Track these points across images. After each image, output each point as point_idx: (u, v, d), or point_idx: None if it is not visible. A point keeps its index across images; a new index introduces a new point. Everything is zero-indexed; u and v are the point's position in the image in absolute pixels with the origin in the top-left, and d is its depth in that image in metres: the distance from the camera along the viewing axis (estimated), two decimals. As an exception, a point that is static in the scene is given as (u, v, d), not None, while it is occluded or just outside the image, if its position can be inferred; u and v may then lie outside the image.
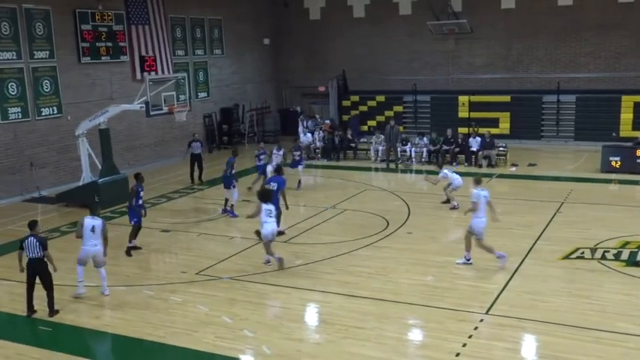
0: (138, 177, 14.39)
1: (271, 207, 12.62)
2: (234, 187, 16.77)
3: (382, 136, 24.16)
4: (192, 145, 21.21)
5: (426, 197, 18.44)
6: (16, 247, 14.66)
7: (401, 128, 24.84)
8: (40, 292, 10.81)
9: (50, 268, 10.74)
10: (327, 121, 27.28)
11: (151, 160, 24.16)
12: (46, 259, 10.66)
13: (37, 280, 10.78)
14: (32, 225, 10.96)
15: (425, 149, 23.53)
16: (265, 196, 12.81)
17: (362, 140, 25.97)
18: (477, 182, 12.92)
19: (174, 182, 21.23)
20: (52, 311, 10.76)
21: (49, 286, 10.73)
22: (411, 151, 23.68)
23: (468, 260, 12.53)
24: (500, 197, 17.58)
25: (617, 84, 25.71)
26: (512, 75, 27.54)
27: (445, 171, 17.35)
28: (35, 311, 10.81)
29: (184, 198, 19.54)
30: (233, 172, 16.86)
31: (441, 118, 27.12)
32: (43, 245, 10.61)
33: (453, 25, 27.33)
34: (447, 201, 17.07)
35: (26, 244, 10.67)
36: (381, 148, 24.10)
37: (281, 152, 19.30)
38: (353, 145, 25.05)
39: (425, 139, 23.80)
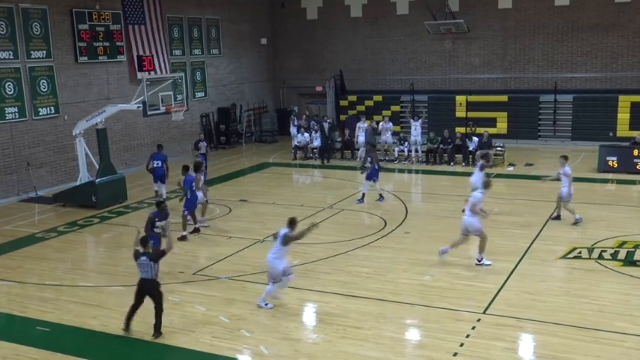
0: (159, 206, 12.90)
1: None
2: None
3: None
4: (199, 145, 20.95)
5: (423, 197, 18.46)
6: (15, 247, 14.85)
7: (368, 122, 24.65)
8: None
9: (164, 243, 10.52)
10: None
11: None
12: (158, 280, 10.02)
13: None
14: (144, 242, 10.07)
15: (417, 144, 23.49)
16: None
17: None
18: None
19: (172, 183, 21.10)
20: (158, 332, 9.95)
21: (159, 306, 10.03)
22: (410, 151, 23.68)
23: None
24: (498, 197, 17.59)
25: (614, 84, 25.76)
26: (510, 75, 27.56)
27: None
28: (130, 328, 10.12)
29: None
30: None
31: (438, 118, 27.16)
32: (155, 260, 9.84)
33: (450, 24, 27.33)
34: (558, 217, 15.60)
35: (139, 264, 9.87)
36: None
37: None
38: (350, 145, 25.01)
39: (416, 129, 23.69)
